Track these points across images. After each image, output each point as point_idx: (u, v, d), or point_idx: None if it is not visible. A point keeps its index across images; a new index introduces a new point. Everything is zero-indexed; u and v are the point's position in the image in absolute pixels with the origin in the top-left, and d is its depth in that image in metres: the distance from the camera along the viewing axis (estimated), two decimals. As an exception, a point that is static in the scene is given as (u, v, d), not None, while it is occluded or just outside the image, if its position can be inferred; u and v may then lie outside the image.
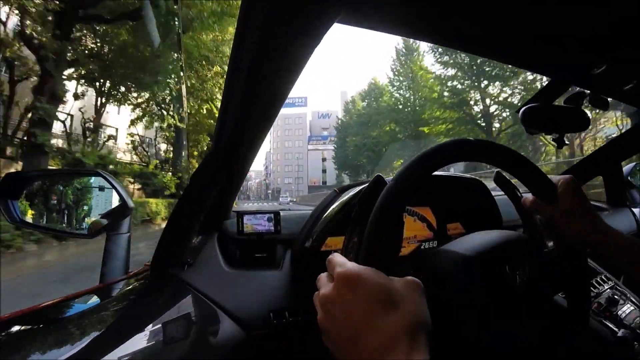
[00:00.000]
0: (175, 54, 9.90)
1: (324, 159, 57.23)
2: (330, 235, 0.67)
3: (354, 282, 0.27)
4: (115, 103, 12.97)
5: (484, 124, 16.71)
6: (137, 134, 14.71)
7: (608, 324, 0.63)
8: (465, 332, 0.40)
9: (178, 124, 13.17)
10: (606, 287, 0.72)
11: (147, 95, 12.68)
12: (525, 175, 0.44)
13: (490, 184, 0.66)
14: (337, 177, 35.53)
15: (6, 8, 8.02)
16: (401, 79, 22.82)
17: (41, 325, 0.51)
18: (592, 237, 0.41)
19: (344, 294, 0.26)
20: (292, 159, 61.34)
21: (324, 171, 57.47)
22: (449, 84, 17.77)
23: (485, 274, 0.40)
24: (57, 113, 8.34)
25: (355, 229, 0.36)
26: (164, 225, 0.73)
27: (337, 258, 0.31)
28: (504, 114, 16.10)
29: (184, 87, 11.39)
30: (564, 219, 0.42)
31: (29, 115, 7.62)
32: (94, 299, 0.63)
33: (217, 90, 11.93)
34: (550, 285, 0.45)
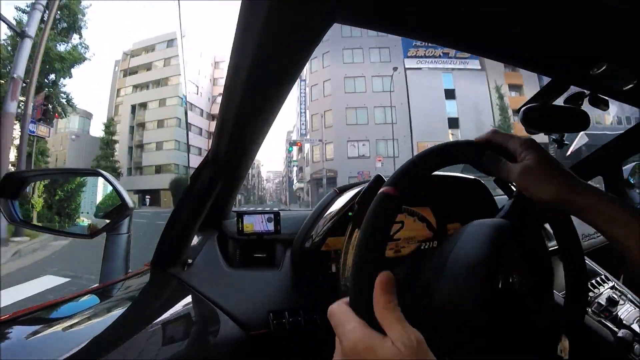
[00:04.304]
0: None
1: (449, 93, 20.17)
2: (330, 236, 0.67)
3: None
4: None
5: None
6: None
7: (608, 324, 0.63)
8: (464, 331, 0.40)
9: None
10: (606, 287, 0.73)
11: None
12: None
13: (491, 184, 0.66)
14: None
15: None
16: None
17: (41, 325, 0.51)
18: (564, 196, 0.35)
19: None
20: (363, 94, 20.34)
21: (454, 124, 19.78)
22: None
23: (485, 274, 0.40)
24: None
25: (355, 229, 0.36)
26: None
27: (341, 314, 0.29)
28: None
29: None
30: (531, 178, 0.37)
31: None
32: (94, 299, 0.64)
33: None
34: (544, 281, 0.45)
